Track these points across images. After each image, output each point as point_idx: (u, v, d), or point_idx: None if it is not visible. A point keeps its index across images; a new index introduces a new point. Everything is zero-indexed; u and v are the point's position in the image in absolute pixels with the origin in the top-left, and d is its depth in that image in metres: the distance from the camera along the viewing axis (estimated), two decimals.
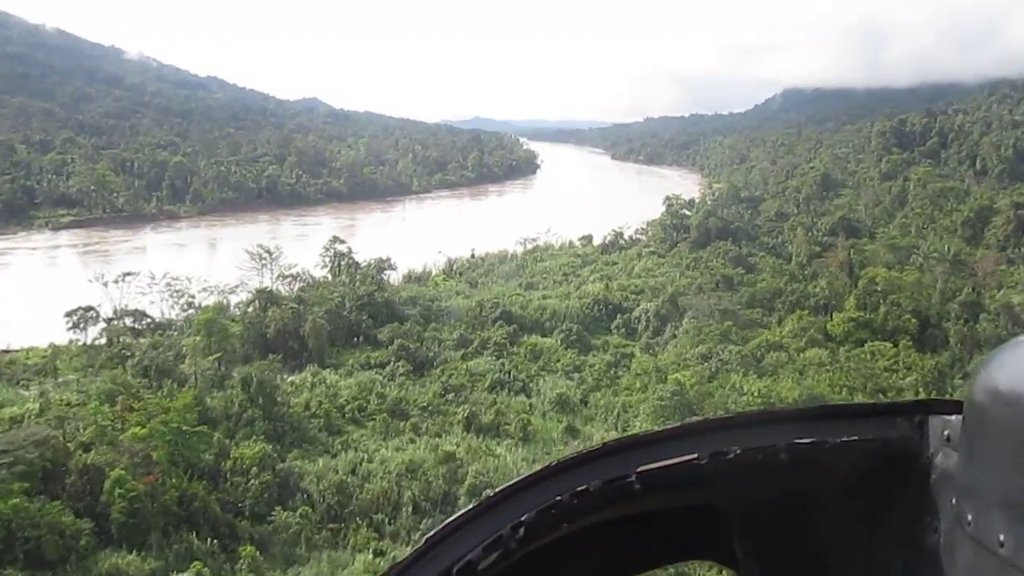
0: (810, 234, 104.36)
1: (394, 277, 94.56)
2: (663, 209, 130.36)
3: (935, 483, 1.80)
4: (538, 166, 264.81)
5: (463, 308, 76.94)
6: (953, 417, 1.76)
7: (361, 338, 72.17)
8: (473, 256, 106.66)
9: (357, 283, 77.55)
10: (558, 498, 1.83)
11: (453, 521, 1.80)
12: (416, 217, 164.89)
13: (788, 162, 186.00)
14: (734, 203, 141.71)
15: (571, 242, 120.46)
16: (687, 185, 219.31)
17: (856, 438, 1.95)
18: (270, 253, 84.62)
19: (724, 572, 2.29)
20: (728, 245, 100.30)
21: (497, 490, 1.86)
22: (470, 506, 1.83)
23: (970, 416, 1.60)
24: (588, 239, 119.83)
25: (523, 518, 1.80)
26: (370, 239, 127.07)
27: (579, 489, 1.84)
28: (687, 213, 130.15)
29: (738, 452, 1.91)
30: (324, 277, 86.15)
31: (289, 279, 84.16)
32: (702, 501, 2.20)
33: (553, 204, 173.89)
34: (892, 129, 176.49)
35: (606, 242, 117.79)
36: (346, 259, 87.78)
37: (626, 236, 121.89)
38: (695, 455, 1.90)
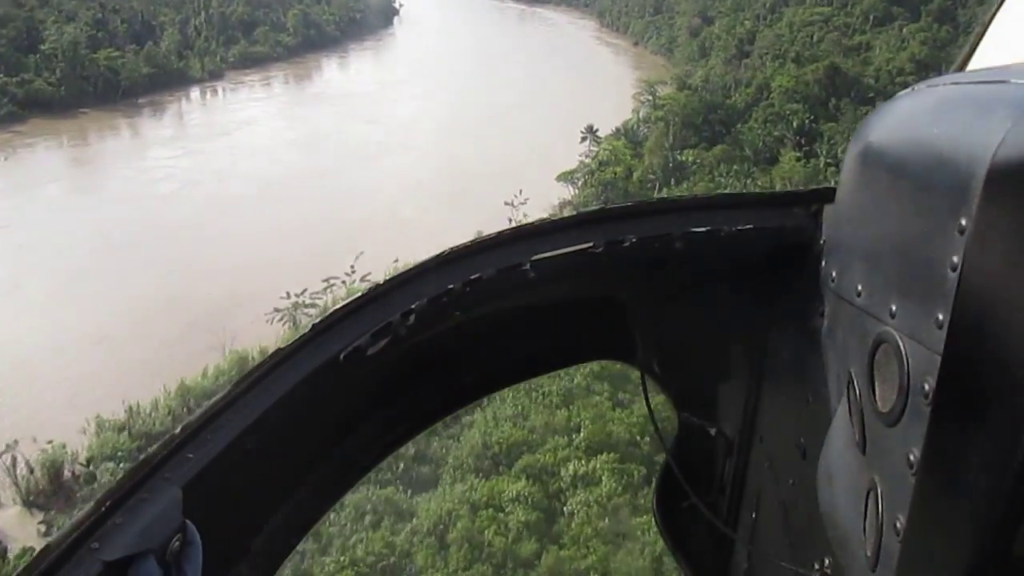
0: None
1: None
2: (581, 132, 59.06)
3: (824, 271, 1.66)
4: (396, 11, 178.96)
5: None
6: None
7: None
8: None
9: None
10: (450, 287, 1.67)
11: (341, 309, 1.65)
12: (160, 149, 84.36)
13: (732, 23, 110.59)
14: (700, 124, 70.04)
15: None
16: (585, 40, 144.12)
17: (752, 226, 1.79)
18: None
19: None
20: None
21: (387, 279, 1.69)
22: (358, 294, 1.68)
23: (843, 182, 1.52)
24: None
25: (413, 306, 1.65)
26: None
27: (472, 278, 1.68)
28: (631, 163, 59.29)
29: (634, 240, 1.75)
30: None
31: None
32: (599, 292, 2.03)
33: (403, 100, 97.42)
34: None
35: None
36: None
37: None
38: (590, 244, 1.74)
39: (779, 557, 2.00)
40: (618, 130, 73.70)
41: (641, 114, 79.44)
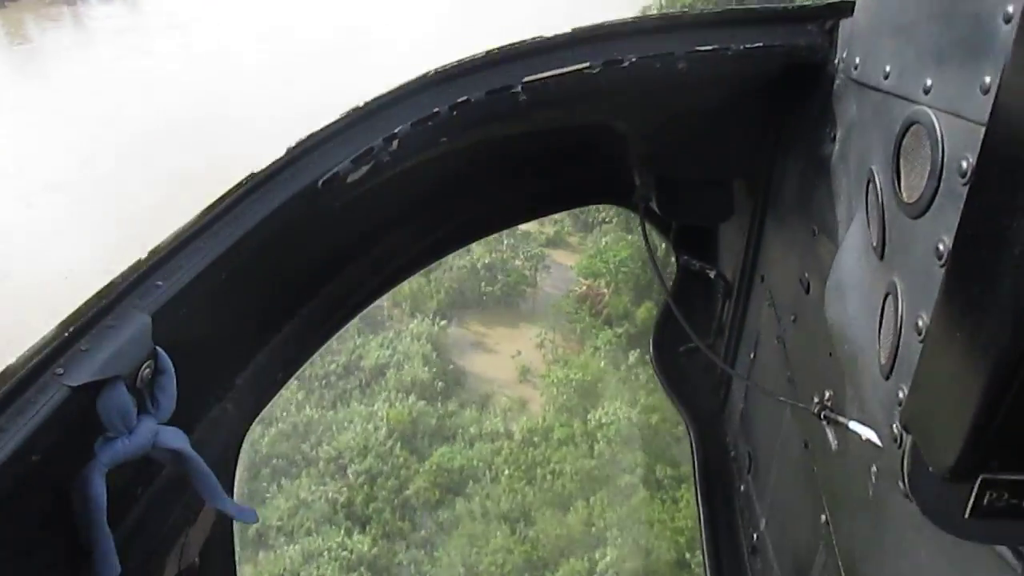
0: None
1: None
2: None
3: (839, 89, 1.55)
4: None
5: None
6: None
7: None
8: None
9: None
10: (436, 110, 1.59)
11: (319, 132, 1.56)
12: None
13: None
14: None
15: None
16: None
17: (761, 45, 1.64)
18: None
19: None
20: None
21: (367, 101, 1.59)
22: (337, 117, 1.59)
23: None
24: None
25: (396, 130, 1.57)
26: None
27: (459, 100, 1.59)
28: None
29: (634, 60, 1.61)
30: None
31: None
32: (596, 120, 1.88)
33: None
34: None
35: None
36: None
37: None
38: (587, 64, 1.60)
39: (778, 393, 1.93)
40: None
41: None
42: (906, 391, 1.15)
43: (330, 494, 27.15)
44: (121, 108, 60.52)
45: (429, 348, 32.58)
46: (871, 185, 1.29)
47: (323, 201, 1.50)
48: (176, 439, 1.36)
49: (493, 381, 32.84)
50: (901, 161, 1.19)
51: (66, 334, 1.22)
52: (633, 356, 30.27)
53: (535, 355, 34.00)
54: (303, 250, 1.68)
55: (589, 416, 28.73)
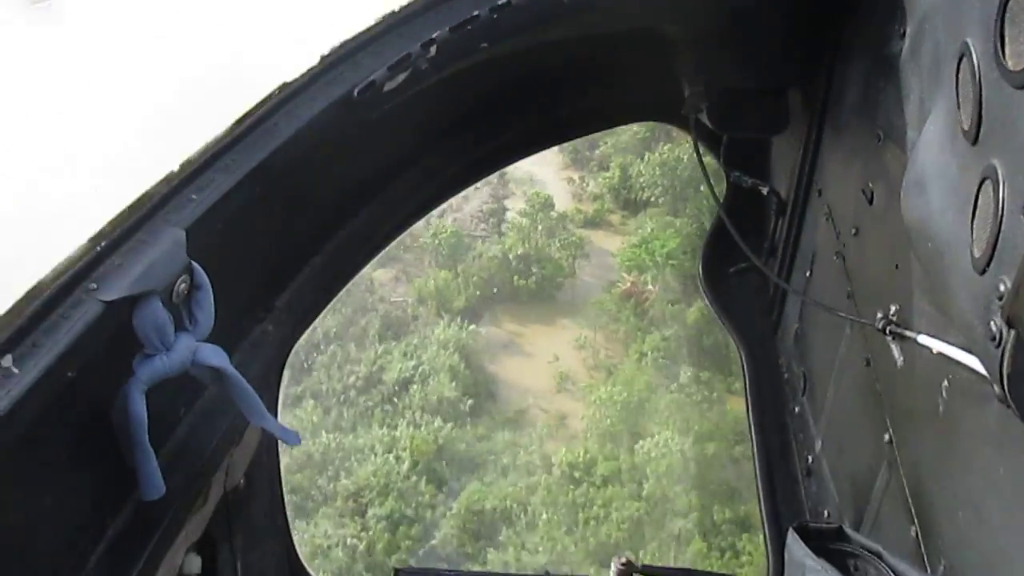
0: None
1: None
2: None
3: None
4: None
5: None
6: None
7: None
8: None
9: None
10: (475, 13, 1.53)
11: (353, 39, 1.52)
12: None
13: None
14: None
15: None
16: None
17: None
18: None
19: None
20: None
21: (403, 5, 1.56)
22: (372, 22, 1.55)
23: None
24: None
25: (435, 36, 1.52)
26: None
27: (500, 3, 1.55)
28: None
29: None
30: None
31: None
32: (644, 22, 1.77)
33: None
34: None
35: None
36: None
37: None
38: None
39: (838, 310, 1.84)
40: None
41: None
42: (1009, 283, 1.03)
43: (349, 539, 24.51)
44: (146, 74, 56.93)
45: (457, 359, 29.25)
46: (964, 62, 1.17)
47: (360, 111, 1.44)
48: (215, 356, 1.33)
49: (528, 391, 29.50)
50: (1006, 26, 1.06)
51: (98, 249, 1.18)
52: (685, 375, 26.60)
53: (574, 357, 30.49)
54: (341, 165, 1.59)
55: (636, 446, 25.39)
